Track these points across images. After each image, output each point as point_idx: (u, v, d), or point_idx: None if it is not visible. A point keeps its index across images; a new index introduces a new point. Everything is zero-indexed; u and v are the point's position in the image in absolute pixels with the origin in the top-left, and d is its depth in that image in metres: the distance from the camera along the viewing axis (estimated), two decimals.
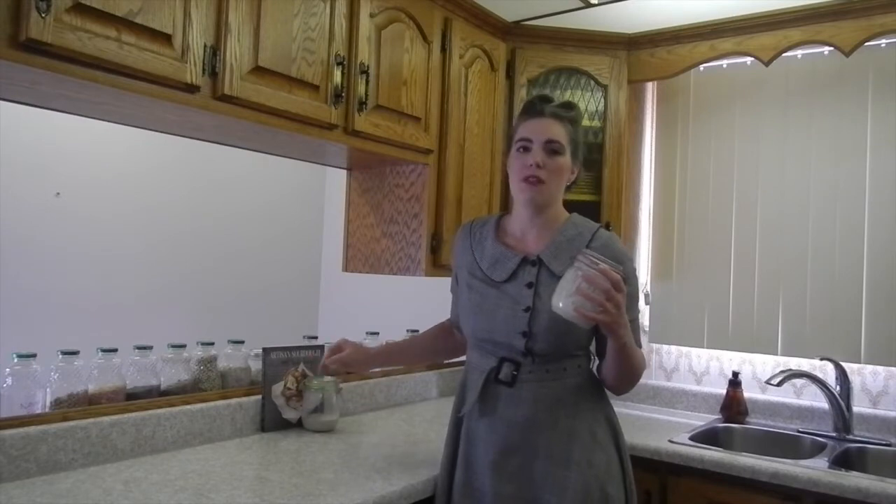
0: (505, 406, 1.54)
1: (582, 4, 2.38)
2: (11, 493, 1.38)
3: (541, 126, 1.58)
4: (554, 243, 1.59)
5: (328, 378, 2.07)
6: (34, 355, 1.58)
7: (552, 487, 1.50)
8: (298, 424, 2.00)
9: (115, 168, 2.76)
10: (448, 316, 1.84)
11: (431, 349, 1.92)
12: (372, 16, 1.99)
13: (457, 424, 1.65)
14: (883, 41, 2.34)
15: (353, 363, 1.78)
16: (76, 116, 1.74)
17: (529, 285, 1.55)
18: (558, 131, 1.57)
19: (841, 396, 2.28)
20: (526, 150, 1.57)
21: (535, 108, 1.60)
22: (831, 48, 2.30)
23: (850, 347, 2.38)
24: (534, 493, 1.51)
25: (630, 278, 1.55)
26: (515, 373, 1.54)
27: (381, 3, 2.02)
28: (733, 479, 1.92)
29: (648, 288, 2.80)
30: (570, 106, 1.64)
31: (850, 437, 2.24)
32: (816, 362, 2.38)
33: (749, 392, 2.51)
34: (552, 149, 1.56)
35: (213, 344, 1.98)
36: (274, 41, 1.71)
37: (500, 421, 1.55)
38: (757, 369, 2.55)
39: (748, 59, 2.56)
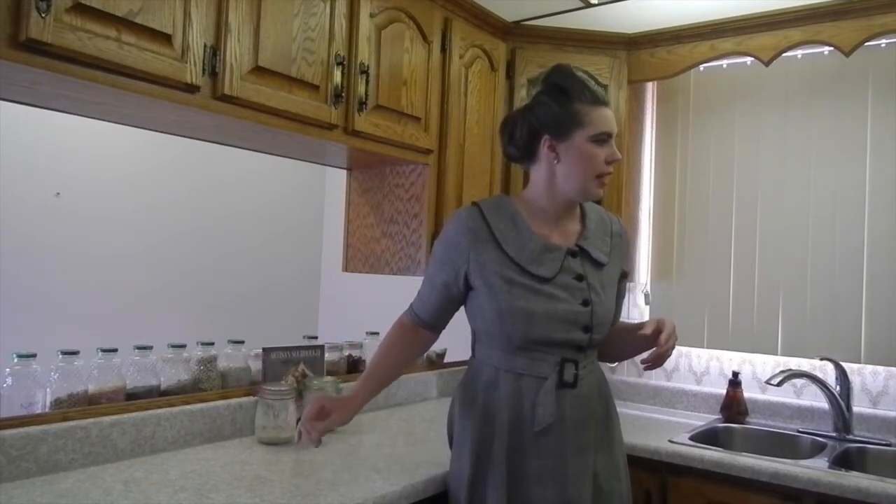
0: (571, 409, 1.48)
1: (582, 4, 2.38)
2: (11, 493, 1.38)
3: (612, 118, 1.51)
4: (588, 231, 1.57)
5: (328, 378, 2.07)
6: (34, 355, 1.58)
7: (615, 473, 1.54)
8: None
9: (115, 168, 2.76)
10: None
11: (409, 360, 1.71)
12: (372, 16, 1.99)
13: (489, 439, 1.50)
14: (883, 41, 2.34)
15: (342, 422, 1.60)
16: (76, 116, 1.74)
17: (579, 278, 1.51)
18: None
19: (841, 396, 2.27)
20: (604, 143, 1.50)
21: (603, 95, 1.52)
22: (831, 48, 2.30)
23: (850, 347, 2.38)
24: (598, 483, 1.50)
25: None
26: (576, 371, 1.50)
27: (381, 3, 2.02)
28: (733, 479, 1.92)
29: (648, 288, 2.80)
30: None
31: (850, 437, 2.24)
32: (816, 362, 2.38)
33: (749, 392, 2.51)
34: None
35: (213, 344, 1.98)
36: (274, 41, 1.71)
37: (570, 424, 1.48)
38: (757, 369, 2.55)
39: (748, 59, 2.56)
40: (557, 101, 1.50)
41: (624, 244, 1.66)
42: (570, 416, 1.48)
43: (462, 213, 1.56)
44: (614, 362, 1.71)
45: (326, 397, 1.59)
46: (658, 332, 1.46)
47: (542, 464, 1.46)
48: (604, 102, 1.51)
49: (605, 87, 2.59)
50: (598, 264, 1.56)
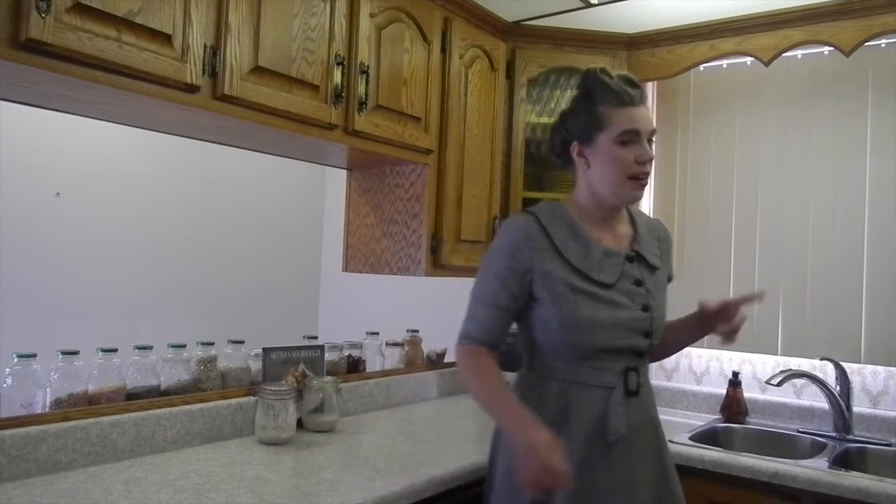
0: (636, 416, 1.47)
1: (582, 4, 2.38)
2: (11, 493, 1.38)
3: (643, 116, 1.46)
4: (640, 235, 1.56)
5: (328, 378, 2.07)
6: (34, 355, 1.58)
7: (674, 472, 1.54)
8: (298, 424, 2.00)
9: (115, 168, 2.76)
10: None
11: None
12: (372, 16, 1.99)
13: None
14: (883, 41, 2.34)
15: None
16: (76, 116, 1.74)
17: (638, 283, 1.49)
18: (651, 118, 1.50)
19: (841, 396, 2.27)
20: (631, 143, 1.45)
21: (629, 94, 1.46)
22: (831, 48, 2.30)
23: (850, 347, 2.38)
24: (670, 486, 1.51)
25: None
26: (638, 379, 1.48)
27: (381, 3, 2.02)
28: (733, 479, 1.92)
29: None
30: (641, 85, 1.51)
31: (850, 437, 2.24)
32: (816, 362, 2.38)
33: (749, 392, 2.51)
34: (651, 140, 1.48)
35: (213, 344, 1.98)
36: (274, 41, 1.71)
37: (634, 431, 1.45)
38: (757, 369, 2.55)
39: (748, 59, 2.56)
40: (583, 107, 1.50)
41: (669, 248, 1.66)
42: (634, 423, 1.47)
43: (518, 222, 1.51)
44: (658, 361, 1.71)
45: (533, 445, 1.30)
46: (728, 306, 1.49)
47: (612, 474, 1.44)
48: (629, 102, 1.46)
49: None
50: (653, 268, 1.55)
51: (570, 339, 1.45)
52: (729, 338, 1.51)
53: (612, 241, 1.52)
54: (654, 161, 1.51)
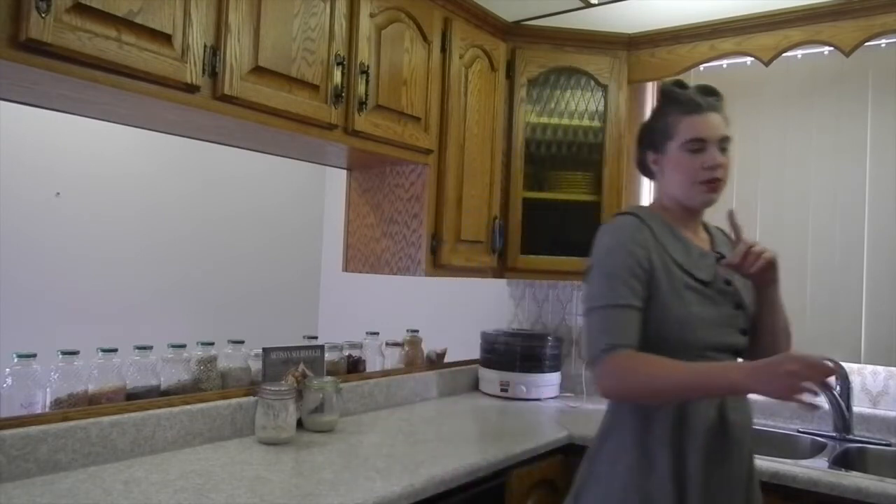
0: (738, 417, 1.47)
1: (582, 4, 2.38)
2: (11, 493, 1.38)
3: (709, 123, 1.48)
4: (716, 239, 1.61)
5: (328, 378, 2.07)
6: (34, 355, 1.58)
7: (757, 474, 1.55)
8: (298, 424, 2.00)
9: (115, 168, 2.76)
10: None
11: None
12: (372, 16, 1.99)
13: (685, 454, 1.41)
14: (883, 41, 2.34)
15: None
16: (76, 116, 1.74)
17: (727, 282, 1.52)
18: (724, 125, 1.51)
19: (841, 396, 2.27)
20: (700, 150, 1.47)
21: (696, 103, 1.49)
22: (831, 48, 2.30)
23: (850, 347, 2.38)
24: (755, 489, 1.52)
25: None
26: None
27: (381, 3, 2.02)
28: None
29: None
30: (718, 93, 1.53)
31: (850, 437, 2.24)
32: None
33: None
34: (724, 146, 1.49)
35: (213, 344, 1.98)
36: (274, 41, 1.71)
37: (743, 431, 1.47)
38: None
39: (748, 59, 2.56)
40: (655, 119, 1.57)
41: None
42: (740, 423, 1.48)
43: (627, 221, 1.51)
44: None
45: (776, 359, 1.34)
46: (742, 251, 1.47)
47: (730, 470, 1.45)
48: (696, 111, 1.49)
49: (604, 87, 2.60)
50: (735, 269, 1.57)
51: (685, 337, 1.44)
52: (765, 267, 1.50)
53: (700, 242, 1.56)
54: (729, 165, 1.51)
